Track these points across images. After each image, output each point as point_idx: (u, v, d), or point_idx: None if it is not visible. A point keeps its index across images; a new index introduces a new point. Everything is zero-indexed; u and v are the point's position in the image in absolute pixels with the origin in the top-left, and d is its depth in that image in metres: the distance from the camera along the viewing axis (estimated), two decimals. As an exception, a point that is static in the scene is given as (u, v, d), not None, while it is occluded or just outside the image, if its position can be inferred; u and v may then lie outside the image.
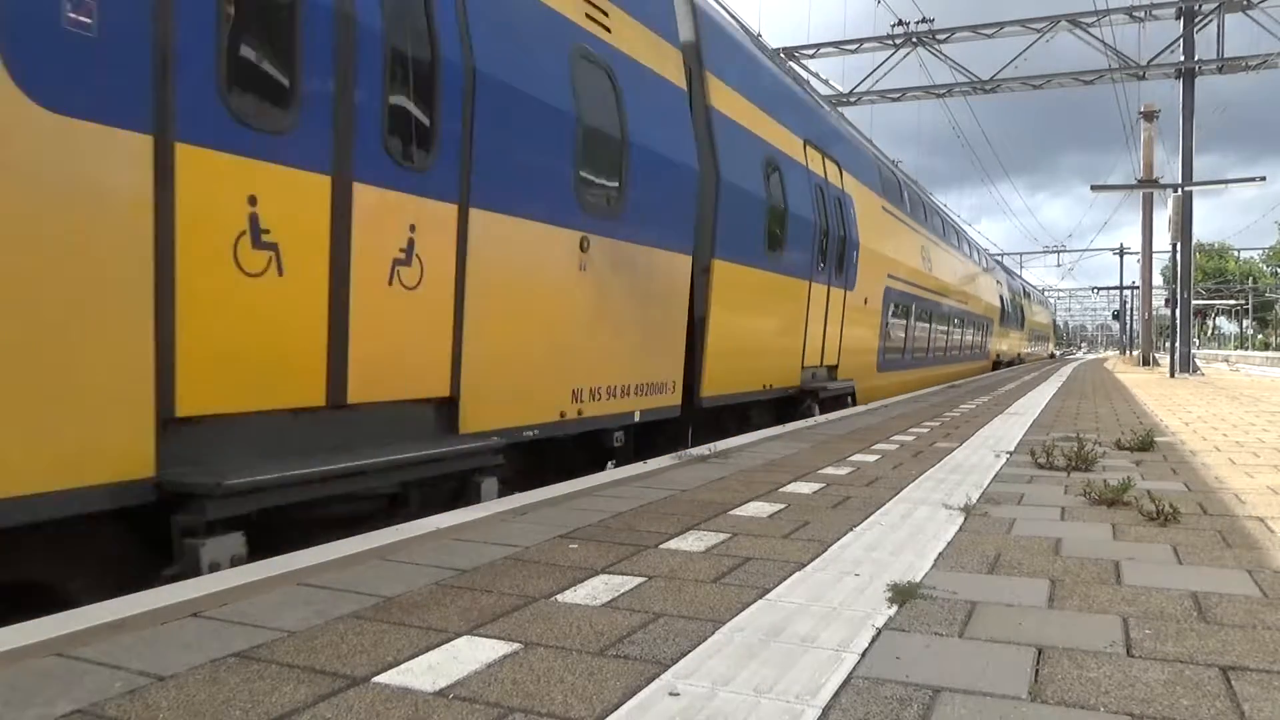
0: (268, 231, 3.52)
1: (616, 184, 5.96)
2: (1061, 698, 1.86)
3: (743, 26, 14.44)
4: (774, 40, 30.55)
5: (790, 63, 25.37)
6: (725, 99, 7.86)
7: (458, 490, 4.47)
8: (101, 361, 2.97)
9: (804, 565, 2.95)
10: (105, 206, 2.96)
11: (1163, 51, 25.09)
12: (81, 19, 2.82)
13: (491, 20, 4.72)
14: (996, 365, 29.99)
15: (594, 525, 3.58)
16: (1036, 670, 2.01)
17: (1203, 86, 25.05)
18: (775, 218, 8.70)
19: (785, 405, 9.87)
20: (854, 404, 11.68)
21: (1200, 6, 24.04)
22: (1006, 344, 32.22)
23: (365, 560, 2.95)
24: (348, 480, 3.72)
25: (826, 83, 27.06)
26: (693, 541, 3.30)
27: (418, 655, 2.08)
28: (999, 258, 43.58)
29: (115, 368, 3.02)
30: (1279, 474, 5.17)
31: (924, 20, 25.87)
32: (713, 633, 2.25)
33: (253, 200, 3.45)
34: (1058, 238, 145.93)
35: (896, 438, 7.03)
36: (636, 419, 6.48)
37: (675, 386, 7.04)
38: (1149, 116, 30.23)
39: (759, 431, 7.52)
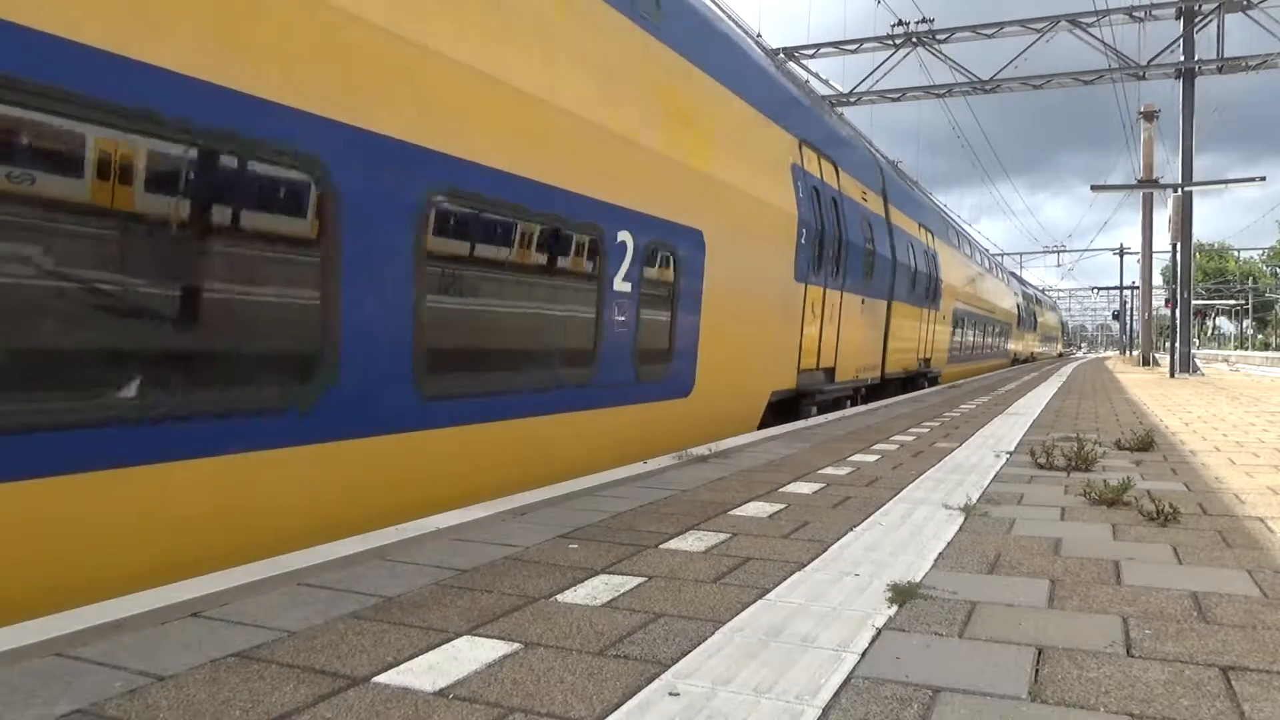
0: (813, 308, 9.77)
1: (870, 270, 12.36)
2: (1061, 698, 1.86)
3: (742, 27, 14.82)
4: (774, 40, 30.50)
5: (790, 63, 25.37)
6: (895, 215, 14.47)
7: (837, 403, 11.47)
8: (792, 351, 9.40)
9: (804, 565, 2.95)
10: (797, 306, 9.42)
11: (1163, 51, 25.05)
12: (803, 242, 9.38)
13: (848, 214, 11.11)
14: (1015, 362, 35.63)
15: (594, 525, 3.58)
16: (1036, 670, 2.01)
17: (1203, 86, 25.05)
18: (912, 273, 15.33)
19: (907, 382, 16.10)
20: (939, 384, 18.23)
21: (1200, 6, 24.00)
22: (1022, 344, 39.12)
23: (365, 560, 2.95)
24: (827, 393, 10.90)
25: (826, 83, 27.04)
26: (693, 541, 3.30)
27: (418, 655, 2.08)
28: (999, 257, 44.92)
29: (793, 353, 9.42)
30: (1279, 474, 5.17)
31: (924, 20, 25.81)
32: (712, 633, 2.26)
33: (809, 297, 9.62)
34: (1058, 238, 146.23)
35: (896, 438, 7.03)
36: (868, 383, 13.02)
37: (878, 368, 13.53)
38: (1149, 116, 30.22)
39: (759, 431, 7.65)
